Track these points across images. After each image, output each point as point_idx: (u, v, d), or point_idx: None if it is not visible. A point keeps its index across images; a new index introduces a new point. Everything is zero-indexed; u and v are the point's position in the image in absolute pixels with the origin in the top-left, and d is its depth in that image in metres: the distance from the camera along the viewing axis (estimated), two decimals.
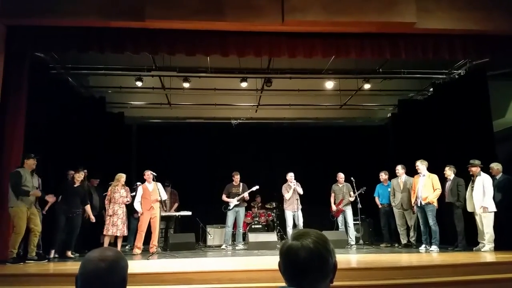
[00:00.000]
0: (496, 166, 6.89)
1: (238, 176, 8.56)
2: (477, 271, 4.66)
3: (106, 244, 7.15)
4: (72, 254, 6.73)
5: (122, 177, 7.52)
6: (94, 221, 7.18)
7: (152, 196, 7.47)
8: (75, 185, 6.82)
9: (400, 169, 8.01)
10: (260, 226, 9.20)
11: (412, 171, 7.74)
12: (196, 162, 10.79)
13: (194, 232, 8.53)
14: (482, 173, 6.78)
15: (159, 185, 7.59)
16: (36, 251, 6.04)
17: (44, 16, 5.97)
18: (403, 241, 7.98)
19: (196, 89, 9.42)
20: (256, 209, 9.91)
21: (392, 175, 8.39)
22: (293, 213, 8.19)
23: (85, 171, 7.74)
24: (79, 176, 6.85)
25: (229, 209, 8.35)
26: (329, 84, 9.29)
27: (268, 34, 6.45)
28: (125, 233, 7.46)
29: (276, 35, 6.46)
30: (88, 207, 7.08)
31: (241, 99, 10.46)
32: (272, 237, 8.07)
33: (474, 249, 6.68)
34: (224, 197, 8.47)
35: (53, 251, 6.58)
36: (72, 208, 6.71)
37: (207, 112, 10.93)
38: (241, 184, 8.54)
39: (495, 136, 7.91)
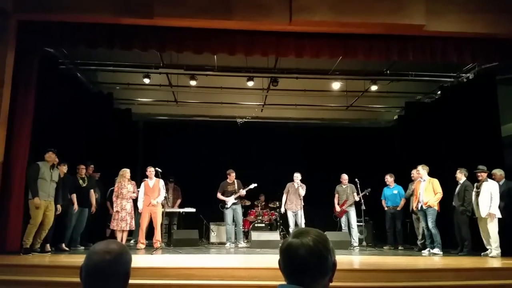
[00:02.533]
0: (499, 172, 6.89)
1: (234, 174, 8.55)
2: (479, 276, 4.63)
3: (118, 239, 7.16)
4: (66, 247, 6.79)
5: (126, 172, 7.61)
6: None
7: (152, 192, 7.46)
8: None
9: (415, 173, 7.96)
10: (263, 225, 9.21)
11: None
12: (201, 159, 10.82)
13: (198, 228, 8.59)
14: (489, 179, 6.74)
15: (162, 182, 7.55)
16: (42, 244, 6.13)
17: (55, 12, 6.02)
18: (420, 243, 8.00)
19: (203, 87, 9.47)
20: (259, 208, 9.91)
21: (399, 178, 8.38)
22: (293, 213, 8.19)
23: (92, 166, 7.82)
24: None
25: (227, 208, 8.36)
26: (336, 85, 9.27)
27: (275, 34, 6.44)
28: (133, 227, 7.59)
29: (284, 34, 6.44)
30: (74, 196, 6.97)
31: (247, 98, 10.47)
32: (275, 236, 8.09)
33: (482, 254, 6.62)
34: (219, 195, 8.46)
35: (63, 244, 6.71)
36: (65, 199, 6.75)
37: (213, 110, 10.97)
38: (235, 181, 8.52)
39: (503, 141, 7.83)
